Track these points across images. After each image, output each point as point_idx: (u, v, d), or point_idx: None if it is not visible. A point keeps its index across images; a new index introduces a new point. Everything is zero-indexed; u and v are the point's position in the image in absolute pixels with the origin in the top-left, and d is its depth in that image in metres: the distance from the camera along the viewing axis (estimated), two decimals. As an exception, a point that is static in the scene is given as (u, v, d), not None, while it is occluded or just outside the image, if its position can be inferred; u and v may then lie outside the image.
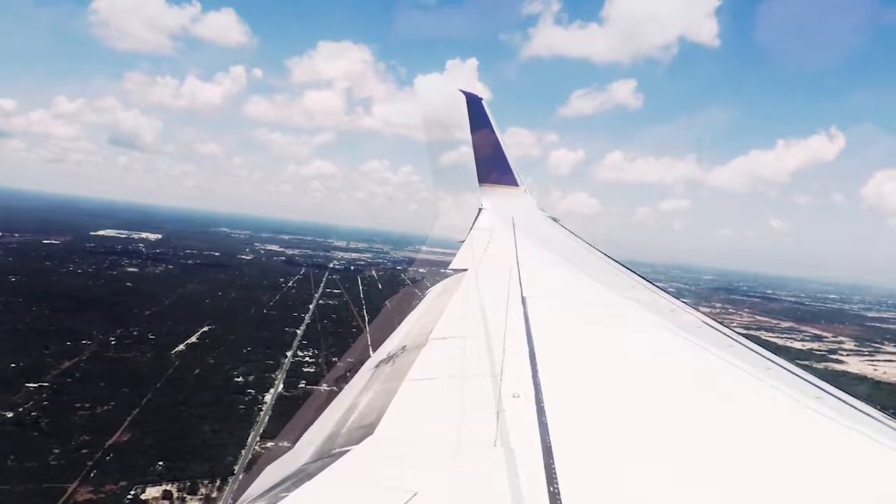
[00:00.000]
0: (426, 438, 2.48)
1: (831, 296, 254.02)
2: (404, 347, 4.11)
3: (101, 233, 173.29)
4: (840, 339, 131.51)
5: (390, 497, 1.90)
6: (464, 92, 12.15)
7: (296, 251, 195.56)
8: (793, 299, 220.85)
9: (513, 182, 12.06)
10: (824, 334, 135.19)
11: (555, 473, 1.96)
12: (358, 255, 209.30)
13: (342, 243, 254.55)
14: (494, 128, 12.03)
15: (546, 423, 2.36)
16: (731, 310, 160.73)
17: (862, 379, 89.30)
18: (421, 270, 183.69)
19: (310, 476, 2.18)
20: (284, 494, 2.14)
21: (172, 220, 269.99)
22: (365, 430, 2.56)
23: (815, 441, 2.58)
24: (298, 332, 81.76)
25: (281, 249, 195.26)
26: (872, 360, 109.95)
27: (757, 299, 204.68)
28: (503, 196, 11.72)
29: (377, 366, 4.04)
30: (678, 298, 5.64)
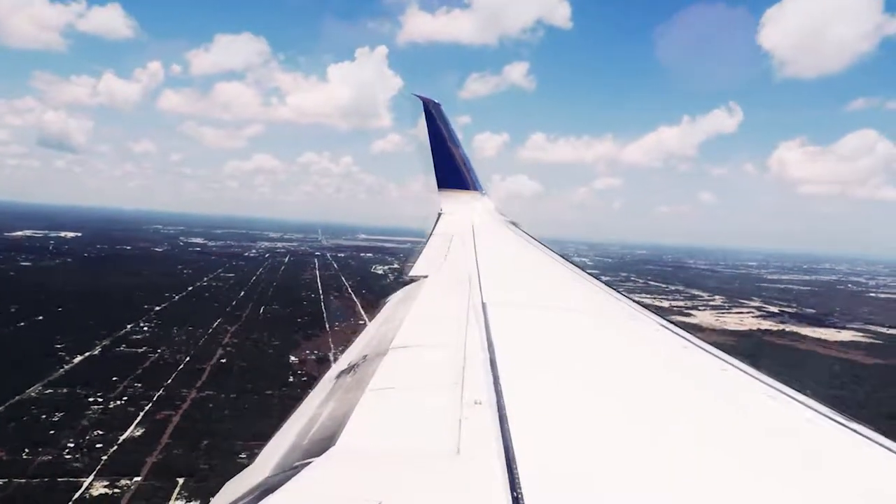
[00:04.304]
0: (388, 448, 2.45)
1: (751, 263, 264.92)
2: (365, 357, 4.08)
3: (16, 233, 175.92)
4: (715, 297, 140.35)
5: None
6: (420, 97, 12.11)
7: (218, 243, 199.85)
8: (707, 267, 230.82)
9: (472, 186, 12.13)
10: (703, 294, 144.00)
11: (517, 478, 1.99)
12: (284, 244, 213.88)
13: (277, 235, 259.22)
14: (453, 132, 12.07)
15: (508, 429, 2.40)
16: (633, 277, 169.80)
17: (692, 326, 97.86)
18: (340, 255, 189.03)
19: (271, 490, 2.13)
20: None
21: (104, 221, 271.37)
22: (326, 442, 2.52)
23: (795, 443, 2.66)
24: (157, 308, 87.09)
25: (203, 242, 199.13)
26: (722, 313, 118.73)
27: (669, 268, 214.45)
28: (463, 201, 11.80)
29: (338, 376, 3.99)
30: (638, 304, 5.80)
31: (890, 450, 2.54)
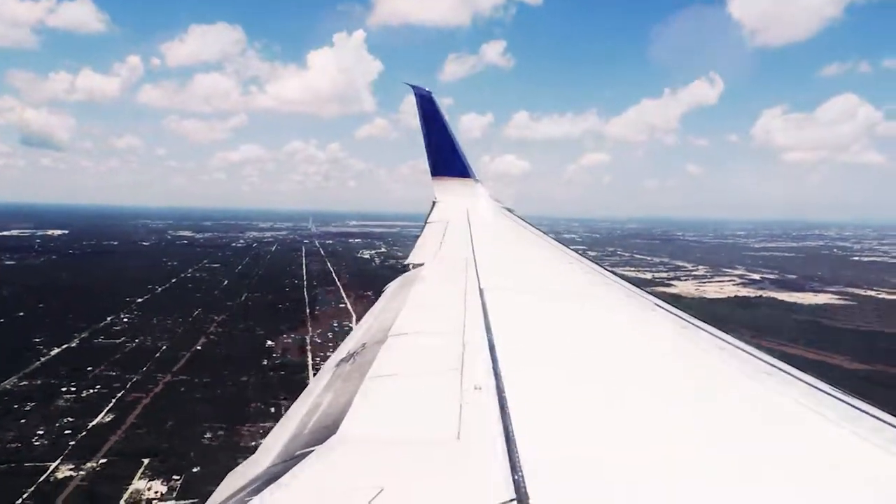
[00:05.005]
0: (390, 435, 2.49)
1: (740, 233, 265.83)
2: (364, 345, 4.12)
3: (3, 233, 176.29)
4: (699, 267, 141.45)
5: (356, 495, 1.92)
6: (412, 86, 12.26)
7: (206, 235, 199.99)
8: (695, 238, 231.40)
9: (465, 174, 12.27)
10: (687, 265, 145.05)
11: (518, 462, 2.01)
12: (273, 233, 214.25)
13: (266, 225, 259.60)
14: (445, 121, 12.22)
15: (508, 413, 2.44)
16: (619, 251, 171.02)
17: (672, 296, 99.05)
18: (329, 242, 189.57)
19: (274, 478, 2.17)
20: (249, 498, 2.17)
21: (92, 217, 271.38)
22: (328, 430, 2.55)
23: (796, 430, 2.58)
24: (139, 300, 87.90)
25: (191, 235, 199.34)
26: (704, 282, 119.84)
27: (657, 241, 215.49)
28: (457, 189, 11.94)
29: (337, 365, 4.02)
30: (633, 284, 5.82)
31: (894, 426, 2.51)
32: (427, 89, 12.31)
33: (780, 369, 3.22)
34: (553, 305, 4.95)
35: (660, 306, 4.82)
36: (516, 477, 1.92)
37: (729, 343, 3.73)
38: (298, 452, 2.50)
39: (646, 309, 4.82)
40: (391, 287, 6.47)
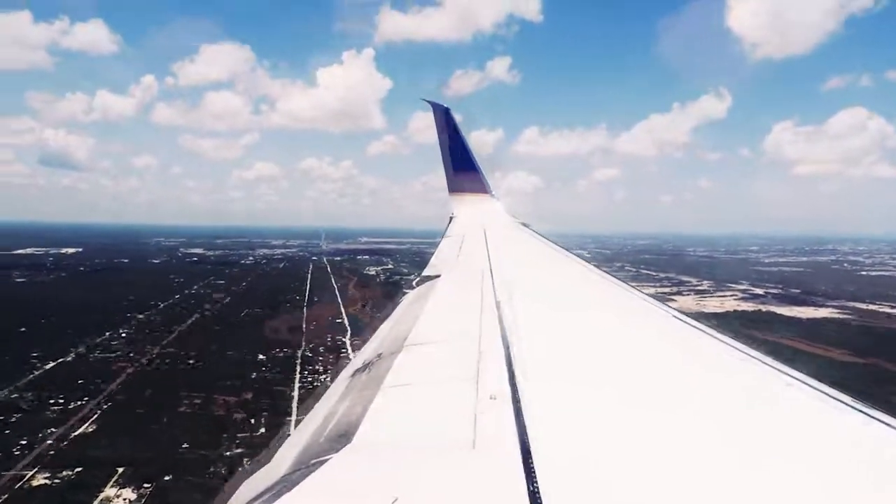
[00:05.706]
0: (405, 444, 2.49)
1: (752, 248, 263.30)
2: (380, 355, 4.09)
3: (18, 251, 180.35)
4: (703, 282, 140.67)
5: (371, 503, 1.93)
6: (430, 102, 12.19)
7: (217, 252, 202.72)
8: (706, 254, 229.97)
9: (482, 189, 12.34)
10: (692, 280, 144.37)
11: (534, 472, 1.99)
12: (284, 250, 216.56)
13: (279, 242, 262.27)
14: (462, 137, 12.17)
15: (523, 423, 2.42)
16: (627, 266, 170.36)
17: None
18: (337, 258, 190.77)
19: (289, 487, 2.18)
20: None
21: (107, 236, 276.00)
22: (343, 439, 2.59)
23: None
24: (140, 316, 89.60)
25: (202, 252, 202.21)
26: (705, 297, 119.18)
27: (666, 256, 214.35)
28: (473, 203, 12.02)
29: (353, 374, 4.02)
30: (652, 297, 5.77)
31: None
32: (445, 105, 12.32)
33: (802, 381, 3.16)
34: (569, 317, 4.92)
35: (678, 318, 4.78)
36: (532, 487, 1.91)
37: (748, 355, 3.69)
38: (314, 461, 2.51)
39: (664, 320, 4.81)
40: (408, 298, 6.62)
